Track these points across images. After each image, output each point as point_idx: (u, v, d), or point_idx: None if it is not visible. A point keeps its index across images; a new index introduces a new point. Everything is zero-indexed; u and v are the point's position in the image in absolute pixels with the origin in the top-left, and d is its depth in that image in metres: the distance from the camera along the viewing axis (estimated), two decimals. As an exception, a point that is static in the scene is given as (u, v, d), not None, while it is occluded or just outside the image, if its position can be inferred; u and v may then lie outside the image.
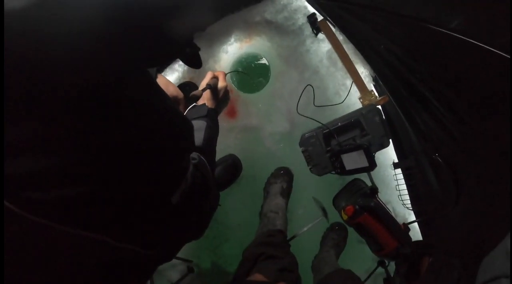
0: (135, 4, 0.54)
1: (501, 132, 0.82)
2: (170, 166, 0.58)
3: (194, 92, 1.01)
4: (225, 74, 1.18)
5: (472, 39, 0.75)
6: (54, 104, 0.40)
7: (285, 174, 1.64)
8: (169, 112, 0.59)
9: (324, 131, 1.43)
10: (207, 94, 1.09)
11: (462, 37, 0.78)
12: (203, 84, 1.08)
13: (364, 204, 1.35)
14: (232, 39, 1.67)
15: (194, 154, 0.83)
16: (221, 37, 1.65)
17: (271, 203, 1.54)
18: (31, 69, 0.38)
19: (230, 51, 1.68)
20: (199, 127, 0.96)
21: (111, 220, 0.49)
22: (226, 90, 1.14)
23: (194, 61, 0.87)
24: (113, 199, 0.48)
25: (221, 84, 1.12)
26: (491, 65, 0.75)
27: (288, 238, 1.52)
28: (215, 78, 1.13)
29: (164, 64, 0.74)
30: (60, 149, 0.42)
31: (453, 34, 0.80)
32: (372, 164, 1.31)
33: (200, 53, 1.60)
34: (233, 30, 1.65)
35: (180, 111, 0.61)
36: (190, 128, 0.67)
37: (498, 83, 0.76)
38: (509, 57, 0.67)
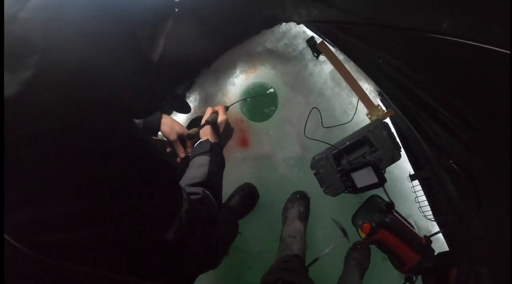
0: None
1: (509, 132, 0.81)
2: (159, 207, 0.64)
3: (190, 131, 1.04)
4: (225, 108, 1.19)
5: (463, 39, 0.75)
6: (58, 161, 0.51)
7: (301, 198, 1.64)
8: (155, 161, 0.65)
9: (333, 152, 1.43)
10: (208, 130, 1.11)
11: (454, 39, 0.77)
12: (203, 122, 1.11)
13: (380, 220, 1.33)
14: (238, 71, 1.72)
15: (197, 189, 0.88)
16: (227, 70, 1.71)
17: (289, 228, 1.54)
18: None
19: (237, 83, 1.73)
20: (202, 162, 0.98)
21: (107, 257, 0.57)
22: (227, 123, 1.15)
23: (183, 107, 0.94)
24: (108, 238, 0.56)
25: (220, 118, 1.14)
26: (489, 63, 0.74)
27: (309, 261, 1.51)
28: (215, 112, 1.15)
29: (150, 114, 0.80)
30: (63, 199, 0.52)
31: (445, 37, 0.79)
32: (381, 180, 1.30)
33: (209, 88, 1.66)
34: (237, 62, 1.71)
35: (160, 155, 0.66)
36: (174, 170, 0.71)
37: (499, 80, 0.75)
38: (508, 52, 0.66)
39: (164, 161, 0.65)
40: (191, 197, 0.83)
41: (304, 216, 1.60)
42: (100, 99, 0.55)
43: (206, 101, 1.70)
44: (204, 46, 1.56)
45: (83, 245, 0.54)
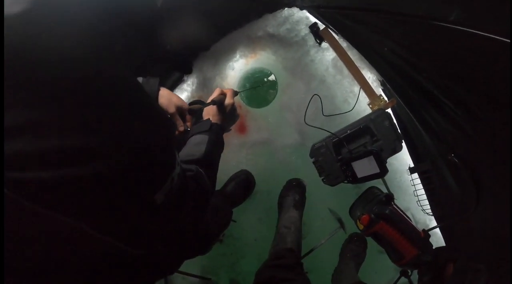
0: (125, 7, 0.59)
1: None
2: (153, 161, 0.57)
3: (192, 106, 1.01)
4: (234, 92, 1.16)
5: (474, 29, 0.72)
6: (51, 91, 0.45)
7: (297, 186, 1.61)
8: (153, 110, 0.59)
9: (334, 140, 1.39)
10: (212, 110, 1.08)
11: (463, 28, 0.75)
12: (209, 100, 1.08)
13: (379, 212, 1.29)
14: (238, 56, 1.67)
15: (192, 166, 0.84)
16: (226, 54, 1.66)
17: (284, 217, 1.50)
18: (27, 64, 0.44)
19: (237, 68, 1.68)
20: (200, 141, 0.96)
21: (90, 209, 0.49)
22: (233, 107, 1.13)
23: (184, 67, 0.88)
24: (94, 188, 0.48)
25: (227, 100, 1.11)
26: (496, 54, 0.71)
27: (305, 252, 1.48)
28: (223, 94, 1.12)
29: (150, 69, 0.77)
30: (56, 132, 0.45)
31: (453, 26, 0.77)
32: (383, 170, 1.27)
33: (207, 71, 1.62)
34: (237, 46, 1.66)
35: (163, 111, 0.62)
36: (171, 126, 0.67)
37: (506, 71, 0.72)
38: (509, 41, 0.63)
39: (164, 114, 0.61)
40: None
41: (300, 204, 1.57)
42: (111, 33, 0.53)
43: (204, 85, 1.65)
44: (203, 28, 1.51)
45: (73, 190, 0.46)
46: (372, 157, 1.27)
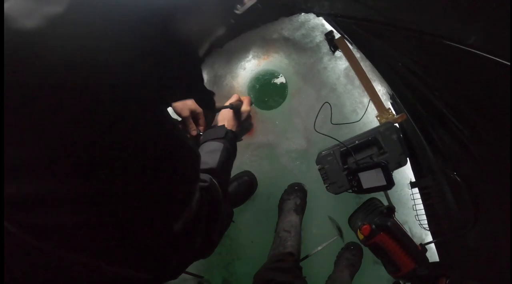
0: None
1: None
2: (172, 194, 0.56)
3: (217, 105, 0.98)
4: (251, 100, 1.15)
5: (490, 55, 0.73)
6: (58, 127, 0.42)
7: (298, 190, 1.61)
8: (175, 140, 0.57)
9: (342, 149, 1.40)
10: (228, 115, 1.06)
11: (480, 52, 0.76)
12: (226, 104, 1.06)
13: (381, 223, 1.31)
14: (250, 56, 1.66)
15: (205, 176, 0.80)
16: (239, 53, 1.65)
17: (284, 221, 1.50)
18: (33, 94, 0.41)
19: (248, 68, 1.67)
20: (214, 148, 0.93)
21: (106, 245, 0.49)
22: (248, 115, 1.11)
23: (210, 105, 0.85)
24: (108, 224, 0.47)
25: (244, 107, 1.09)
26: (505, 78, 0.72)
27: (301, 257, 1.48)
28: (240, 101, 1.11)
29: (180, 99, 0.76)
30: (62, 173, 0.43)
31: (471, 49, 0.78)
32: (390, 183, 1.28)
33: (218, 68, 1.60)
34: (251, 47, 1.65)
35: (186, 141, 0.59)
36: (197, 158, 0.65)
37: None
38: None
39: (187, 144, 0.59)
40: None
41: (300, 209, 1.57)
42: (127, 64, 0.48)
43: (214, 82, 1.63)
44: (219, 25, 1.49)
45: (73, 229, 0.45)
46: (380, 169, 1.28)
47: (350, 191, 1.41)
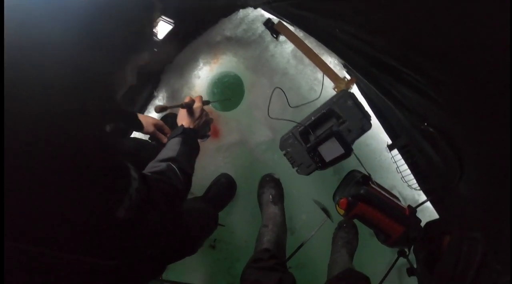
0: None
1: (479, 84, 0.73)
2: (104, 186, 0.61)
3: (161, 105, 1.05)
4: (202, 99, 1.19)
5: None
6: None
7: (270, 181, 1.57)
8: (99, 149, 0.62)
9: (300, 129, 1.35)
10: (183, 116, 1.13)
11: None
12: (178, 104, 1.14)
13: (355, 193, 1.23)
14: (201, 64, 1.67)
15: (162, 163, 0.90)
16: (190, 64, 1.66)
17: (264, 216, 1.47)
18: None
19: (202, 75, 1.68)
20: (174, 142, 1.01)
21: (53, 234, 0.56)
22: (202, 110, 1.16)
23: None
24: (54, 216, 0.54)
25: (196, 104, 1.14)
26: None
27: (295, 247, 1.43)
28: (192, 100, 1.16)
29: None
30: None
31: None
32: (347, 149, 1.21)
33: (174, 83, 1.63)
34: (199, 55, 1.66)
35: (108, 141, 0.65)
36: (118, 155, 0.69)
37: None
38: None
39: (105, 146, 0.63)
40: (153, 169, 0.86)
41: (278, 198, 1.52)
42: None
43: (173, 97, 1.65)
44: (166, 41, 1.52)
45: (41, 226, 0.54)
46: (334, 138, 1.21)
47: (318, 168, 1.34)
